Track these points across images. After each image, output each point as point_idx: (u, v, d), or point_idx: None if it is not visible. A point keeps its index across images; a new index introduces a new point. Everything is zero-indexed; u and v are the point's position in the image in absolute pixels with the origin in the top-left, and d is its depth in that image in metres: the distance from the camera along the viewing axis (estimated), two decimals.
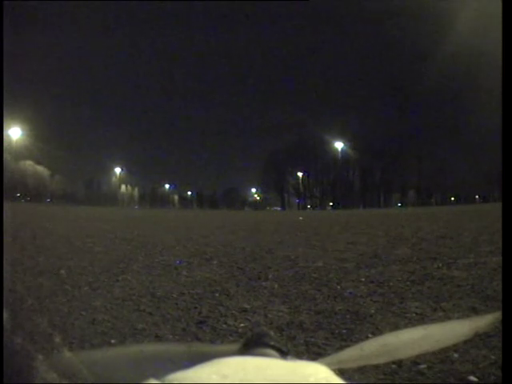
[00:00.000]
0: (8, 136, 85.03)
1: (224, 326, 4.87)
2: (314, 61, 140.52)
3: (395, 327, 4.59)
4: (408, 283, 6.94)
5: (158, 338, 4.47)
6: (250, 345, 1.31)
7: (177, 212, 71.47)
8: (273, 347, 1.26)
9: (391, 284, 6.91)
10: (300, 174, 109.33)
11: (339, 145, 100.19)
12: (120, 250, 11.88)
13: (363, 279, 7.39)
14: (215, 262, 9.56)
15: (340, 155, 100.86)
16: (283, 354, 1.24)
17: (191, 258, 10.31)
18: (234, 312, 5.42)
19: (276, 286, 7.00)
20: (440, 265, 8.53)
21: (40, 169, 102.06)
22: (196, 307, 5.68)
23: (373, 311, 5.28)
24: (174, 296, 6.38)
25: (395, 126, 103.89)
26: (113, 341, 4.33)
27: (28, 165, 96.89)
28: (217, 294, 6.45)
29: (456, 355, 3.66)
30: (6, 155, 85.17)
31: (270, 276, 7.85)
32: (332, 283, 7.13)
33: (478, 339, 3.93)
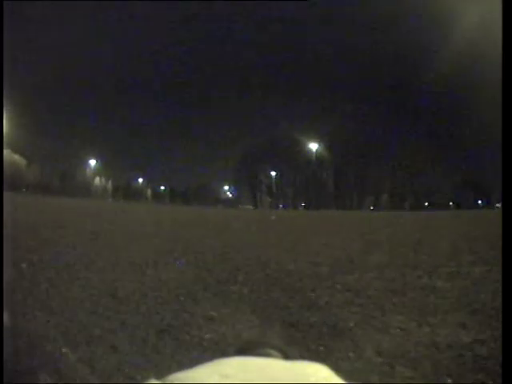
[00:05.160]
0: None
1: (187, 336, 4.38)
2: (293, 59, 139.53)
3: (378, 345, 4.14)
4: (388, 293, 6.50)
5: (114, 349, 3.95)
6: (251, 345, 1.32)
7: (149, 206, 70.08)
8: (274, 347, 1.26)
9: (370, 293, 6.46)
10: (273, 173, 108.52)
11: (314, 146, 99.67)
12: (86, 244, 11.27)
13: (339, 286, 6.92)
14: (183, 261, 9.07)
15: (314, 156, 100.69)
16: (284, 354, 1.23)
17: (158, 255, 9.77)
18: (199, 320, 4.91)
19: (246, 290, 6.49)
20: (421, 273, 8.11)
21: (17, 158, 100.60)
22: (158, 313, 5.18)
23: (352, 324, 4.81)
24: (136, 299, 5.85)
25: (371, 130, 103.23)
26: (64, 349, 3.77)
27: (6, 153, 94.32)
28: (182, 298, 5.94)
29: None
30: None
31: (240, 279, 7.34)
32: (306, 290, 6.65)
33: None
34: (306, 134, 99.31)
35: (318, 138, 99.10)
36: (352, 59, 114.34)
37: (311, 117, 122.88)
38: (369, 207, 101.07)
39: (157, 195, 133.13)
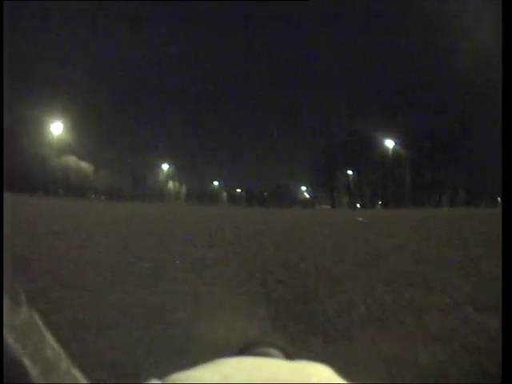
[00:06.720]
0: (50, 131, 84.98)
1: None
2: (364, 59, 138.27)
3: None
4: None
5: None
6: (253, 344, 1.26)
7: (215, 209, 65.99)
8: (275, 347, 1.24)
9: None
10: (350, 173, 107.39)
11: (390, 143, 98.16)
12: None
13: None
14: None
15: (391, 154, 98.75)
16: (286, 353, 1.20)
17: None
18: None
19: None
20: None
21: (83, 164, 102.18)
22: None
23: None
24: None
25: (447, 125, 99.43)
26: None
27: (71, 160, 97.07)
28: None
29: None
30: (46, 150, 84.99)
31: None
32: None
33: None
34: (382, 131, 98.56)
35: (394, 135, 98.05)
36: (425, 55, 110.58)
37: (386, 114, 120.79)
38: (445, 204, 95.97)
39: (232, 198, 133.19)
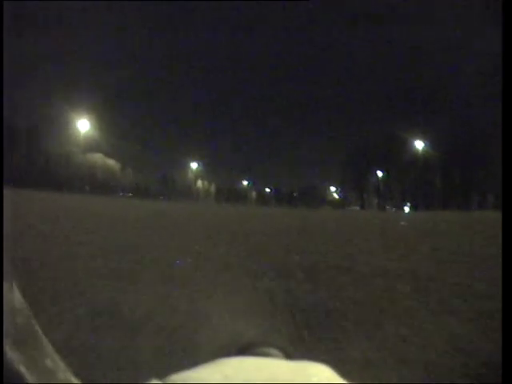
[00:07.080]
0: (76, 129, 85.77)
1: None
2: (395, 59, 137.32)
3: None
4: None
5: None
6: (253, 344, 1.26)
7: (237, 209, 63.01)
8: (276, 347, 1.24)
9: None
10: (380, 174, 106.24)
11: (420, 144, 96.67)
12: None
13: None
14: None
15: (421, 155, 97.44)
16: (286, 354, 1.21)
17: None
18: None
19: None
20: None
21: (110, 162, 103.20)
22: None
23: None
24: None
25: (477, 125, 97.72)
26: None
27: (98, 157, 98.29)
28: None
29: None
30: (72, 148, 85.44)
31: None
32: None
33: None
34: (411, 132, 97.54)
35: (424, 136, 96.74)
36: (456, 56, 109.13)
37: (416, 115, 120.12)
38: (476, 207, 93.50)
39: (262, 197, 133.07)
